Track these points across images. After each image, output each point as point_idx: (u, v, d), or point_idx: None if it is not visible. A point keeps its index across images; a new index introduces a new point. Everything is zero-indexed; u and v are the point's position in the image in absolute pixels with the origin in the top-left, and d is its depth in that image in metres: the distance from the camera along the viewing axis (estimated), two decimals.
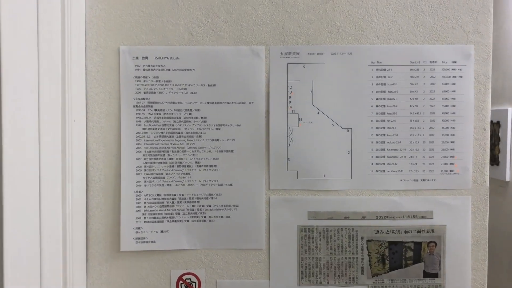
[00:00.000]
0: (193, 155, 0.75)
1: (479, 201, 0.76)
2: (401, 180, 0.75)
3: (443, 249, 0.76)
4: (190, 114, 0.74)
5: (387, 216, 0.75)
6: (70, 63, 0.70)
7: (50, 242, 0.65)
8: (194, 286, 0.76)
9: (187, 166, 0.75)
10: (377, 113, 0.75)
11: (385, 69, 0.75)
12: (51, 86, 0.66)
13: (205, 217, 0.75)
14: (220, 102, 0.74)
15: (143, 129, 0.74)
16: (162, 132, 0.74)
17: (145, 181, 0.75)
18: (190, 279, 0.75)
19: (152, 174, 0.75)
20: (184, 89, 0.74)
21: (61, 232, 0.67)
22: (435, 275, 0.76)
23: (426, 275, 0.76)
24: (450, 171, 0.75)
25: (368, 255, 0.75)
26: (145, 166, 0.74)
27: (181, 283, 0.75)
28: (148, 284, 0.75)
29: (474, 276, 0.76)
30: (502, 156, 1.17)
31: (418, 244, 0.75)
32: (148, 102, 0.74)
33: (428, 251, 0.75)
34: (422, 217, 0.75)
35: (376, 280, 0.76)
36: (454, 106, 0.75)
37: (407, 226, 0.75)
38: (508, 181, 1.12)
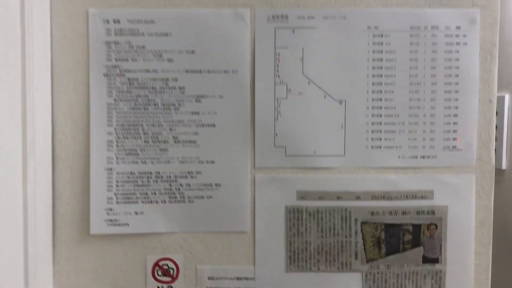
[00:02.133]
0: (170, 129, 0.69)
1: (483, 179, 0.70)
2: (399, 157, 0.70)
3: (444, 232, 0.70)
4: (166, 84, 0.68)
5: (384, 196, 0.70)
6: (31, 26, 0.63)
7: (9, 225, 0.58)
8: (171, 272, 0.70)
9: (164, 142, 0.69)
10: (373, 84, 0.69)
11: (382, 35, 0.69)
12: (8, 52, 0.59)
13: (184, 197, 0.69)
14: (200, 71, 0.68)
15: (115, 100, 0.68)
16: (135, 104, 0.68)
17: (117, 158, 0.68)
18: (167, 265, 0.70)
19: (124, 150, 0.68)
20: (160, 56, 0.68)
21: (22, 214, 0.61)
22: (436, 260, 0.70)
23: (426, 260, 0.70)
24: (453, 147, 0.70)
25: (363, 239, 0.70)
26: (117, 142, 0.68)
27: (157, 270, 0.70)
28: (121, 271, 0.70)
29: (477, 261, 0.71)
30: (499, 144, 1.13)
31: (417, 227, 0.70)
32: (120, 71, 0.68)
33: (428, 234, 0.70)
34: (422, 197, 0.70)
35: (371, 265, 0.70)
36: (457, 76, 0.69)
37: (405, 207, 0.70)
38: (504, 169, 1.09)
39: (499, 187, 1.00)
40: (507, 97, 1.14)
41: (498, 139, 1.17)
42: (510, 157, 1.11)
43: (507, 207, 1.00)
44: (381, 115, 0.70)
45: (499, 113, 1.12)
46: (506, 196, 1.02)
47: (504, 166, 1.10)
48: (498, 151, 1.13)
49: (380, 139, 0.70)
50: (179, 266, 0.70)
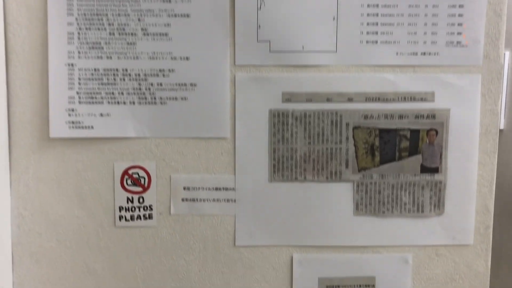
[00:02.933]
0: (139, 20, 0.61)
1: (490, 81, 0.63)
2: (396, 54, 0.62)
3: (445, 139, 0.63)
4: None
5: (379, 98, 0.63)
6: None
7: None
8: (143, 182, 0.63)
9: (132, 34, 0.61)
10: None
11: None
12: None
13: (155, 98, 0.62)
14: None
15: None
16: None
17: (79, 52, 0.61)
18: (138, 173, 0.63)
19: (87, 43, 0.61)
20: None
21: None
22: (435, 170, 0.64)
23: (424, 169, 0.64)
24: (457, 42, 0.62)
25: (355, 146, 0.63)
26: (78, 33, 0.60)
27: (127, 179, 0.63)
28: (87, 179, 0.63)
29: (481, 172, 0.64)
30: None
31: (415, 132, 0.63)
32: None
33: (428, 141, 0.63)
34: (421, 99, 0.63)
35: (363, 175, 0.64)
36: None
37: (403, 110, 0.63)
38: (502, 129, 1.04)
39: (498, 147, 0.97)
40: (507, 54, 1.07)
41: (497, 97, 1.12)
42: (509, 116, 1.06)
43: (505, 167, 0.97)
44: (377, 5, 0.62)
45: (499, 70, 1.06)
46: (504, 156, 0.99)
47: (502, 126, 1.05)
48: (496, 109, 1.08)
49: (376, 33, 0.62)
50: (150, 175, 0.63)
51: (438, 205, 0.65)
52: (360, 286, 0.66)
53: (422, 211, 0.65)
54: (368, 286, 0.66)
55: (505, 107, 1.08)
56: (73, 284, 0.64)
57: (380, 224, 0.65)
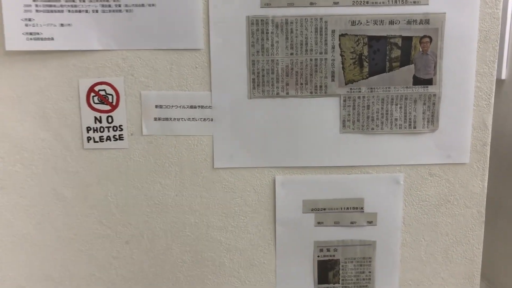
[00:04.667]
0: None
1: None
2: None
3: (440, 47, 0.58)
4: None
5: (367, 1, 0.57)
6: None
7: None
8: (110, 99, 0.59)
9: None
10: None
11: None
12: None
13: (119, 6, 0.57)
14: None
15: None
16: None
17: None
18: (105, 90, 0.59)
19: None
20: None
21: None
22: (429, 82, 0.59)
23: (417, 81, 0.59)
24: None
25: (341, 55, 0.58)
26: None
27: (93, 96, 0.58)
28: (50, 98, 0.59)
29: (478, 84, 0.60)
30: (499, 53, 1.02)
31: (407, 40, 0.58)
32: None
33: (421, 50, 0.58)
34: (414, 2, 0.58)
35: (351, 88, 0.59)
36: None
37: (394, 15, 0.58)
38: (504, 79, 1.00)
39: (498, 97, 0.94)
40: (510, 1, 1.01)
41: (499, 48, 1.07)
42: (511, 66, 1.01)
43: (506, 117, 0.94)
44: None
45: (502, 18, 1.00)
46: (505, 106, 0.96)
47: (504, 76, 1.01)
48: (498, 60, 1.03)
49: None
50: (119, 91, 0.59)
51: (432, 120, 0.61)
52: (347, 208, 0.63)
53: (415, 127, 0.61)
54: (356, 208, 0.63)
55: (507, 57, 1.04)
56: (41, 211, 0.61)
57: (369, 142, 0.61)
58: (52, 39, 0.57)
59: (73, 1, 0.57)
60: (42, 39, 0.57)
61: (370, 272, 0.64)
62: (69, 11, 0.57)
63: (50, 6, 0.57)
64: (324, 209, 0.63)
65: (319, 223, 0.63)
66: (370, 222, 0.63)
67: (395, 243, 0.64)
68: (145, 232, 0.62)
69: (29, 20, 0.57)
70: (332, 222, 0.63)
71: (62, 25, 0.57)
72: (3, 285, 0.62)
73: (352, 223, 0.63)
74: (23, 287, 0.63)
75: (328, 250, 0.64)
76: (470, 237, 0.65)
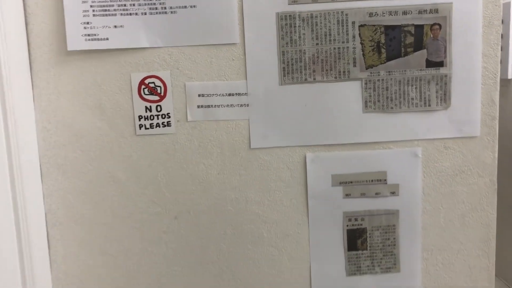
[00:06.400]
0: None
1: None
2: None
3: (449, 33, 0.66)
4: None
5: None
6: None
7: None
8: (159, 90, 0.67)
9: None
10: None
11: None
12: None
13: (165, 8, 0.65)
14: None
15: None
16: None
17: None
18: (154, 83, 0.67)
19: None
20: None
21: None
22: (440, 64, 0.67)
23: (430, 64, 0.67)
24: None
25: (361, 43, 0.66)
26: None
27: (143, 88, 0.67)
28: (105, 91, 0.67)
29: (485, 64, 0.68)
30: (505, 54, 1.08)
31: (419, 28, 0.66)
32: None
33: (432, 36, 0.66)
34: None
35: (371, 72, 0.67)
36: None
37: (406, 6, 0.66)
38: (510, 79, 1.05)
39: (505, 97, 0.99)
40: None
41: (504, 48, 1.12)
42: None
43: (510, 119, 0.97)
44: None
45: (505, 21, 1.06)
46: (509, 107, 0.99)
47: (510, 76, 1.07)
48: (504, 60, 1.09)
49: None
50: (166, 83, 0.67)
51: (445, 98, 0.68)
52: (372, 180, 0.70)
53: (429, 105, 0.68)
54: (380, 180, 0.70)
55: None
56: (98, 192, 0.69)
57: (389, 120, 0.69)
58: (107, 39, 0.66)
59: (125, 6, 0.66)
60: (98, 39, 0.66)
61: (394, 238, 0.72)
62: (121, 14, 0.66)
63: (105, 10, 0.66)
64: (351, 182, 0.70)
65: (347, 195, 0.71)
66: (393, 193, 0.71)
67: (416, 211, 0.71)
68: (191, 208, 0.70)
69: (87, 23, 0.66)
70: (359, 194, 0.71)
71: (115, 26, 0.66)
72: (66, 260, 0.71)
73: (376, 194, 0.71)
74: (84, 262, 0.71)
75: (356, 219, 0.71)
76: (484, 204, 0.72)
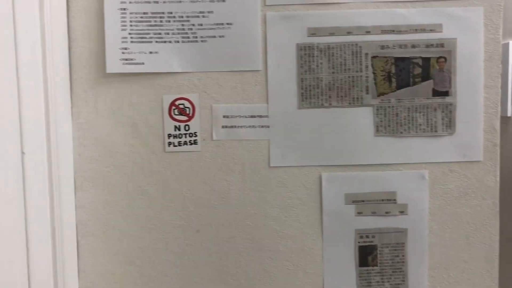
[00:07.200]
0: None
1: (491, 12, 0.74)
2: None
3: (453, 65, 0.73)
4: None
5: (393, 30, 0.73)
6: None
7: (29, 69, 0.62)
8: (188, 111, 0.74)
9: None
10: None
11: None
12: None
13: (196, 37, 0.72)
14: None
15: None
16: None
17: None
18: (183, 104, 0.73)
19: None
20: None
21: (41, 55, 0.64)
22: (446, 93, 0.74)
23: (436, 93, 0.74)
24: None
25: (373, 73, 0.73)
26: None
27: (174, 109, 0.73)
28: (139, 111, 0.73)
29: (486, 95, 0.74)
30: (504, 92, 1.15)
31: (426, 60, 0.73)
32: None
33: (438, 68, 0.73)
34: (431, 30, 0.73)
35: (382, 99, 0.74)
36: None
37: (415, 40, 0.73)
38: (510, 117, 1.11)
39: (505, 136, 1.03)
40: (511, 43, 1.15)
41: (503, 87, 1.19)
42: None
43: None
44: None
45: (504, 60, 1.13)
46: (510, 146, 1.04)
47: (509, 113, 1.12)
48: (503, 98, 1.15)
49: None
50: (194, 105, 0.74)
51: (450, 125, 0.75)
52: (383, 200, 0.76)
53: (436, 131, 0.75)
54: (390, 200, 0.76)
55: (511, 95, 1.15)
56: (128, 205, 0.75)
57: (398, 144, 0.75)
58: (143, 63, 0.73)
59: (160, 34, 0.73)
60: (135, 63, 0.73)
61: (403, 255, 0.76)
62: (156, 41, 0.73)
63: (142, 38, 0.73)
64: (363, 201, 0.76)
65: (359, 213, 0.76)
66: (402, 212, 0.76)
67: (424, 230, 0.76)
68: (213, 222, 0.76)
69: (125, 49, 0.73)
70: (370, 212, 0.76)
71: (151, 52, 0.73)
72: (95, 269, 0.75)
73: (386, 213, 0.76)
74: (111, 272, 0.75)
75: (367, 236, 0.76)
76: (487, 225, 0.77)
